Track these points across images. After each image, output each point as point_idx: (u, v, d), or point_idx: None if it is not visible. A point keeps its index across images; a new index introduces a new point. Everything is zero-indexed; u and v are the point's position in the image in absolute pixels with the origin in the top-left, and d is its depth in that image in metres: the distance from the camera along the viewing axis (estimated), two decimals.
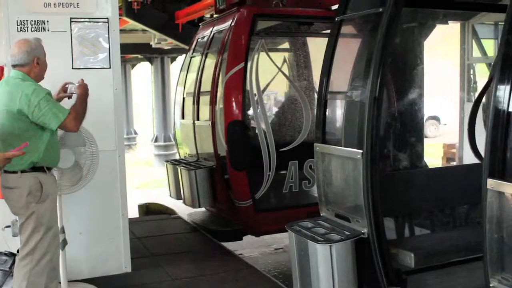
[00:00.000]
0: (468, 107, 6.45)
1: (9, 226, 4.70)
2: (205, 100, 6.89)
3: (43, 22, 4.93)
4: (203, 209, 7.46)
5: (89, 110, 4.69)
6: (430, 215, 4.96)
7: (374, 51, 3.85)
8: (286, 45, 7.78)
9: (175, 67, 22.69)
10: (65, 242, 4.67)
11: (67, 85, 4.44)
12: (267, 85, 6.89)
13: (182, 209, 8.27)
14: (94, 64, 4.98)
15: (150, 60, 20.64)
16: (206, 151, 6.99)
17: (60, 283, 4.66)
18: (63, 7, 4.98)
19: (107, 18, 5.11)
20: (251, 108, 6.32)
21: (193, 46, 7.89)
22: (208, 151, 6.83)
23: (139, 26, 13.12)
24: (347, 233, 3.89)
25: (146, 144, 23.00)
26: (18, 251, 4.18)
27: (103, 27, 5.10)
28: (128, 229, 5.44)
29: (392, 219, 4.65)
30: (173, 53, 19.63)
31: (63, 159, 4.48)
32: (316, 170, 4.45)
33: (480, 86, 6.91)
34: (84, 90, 4.29)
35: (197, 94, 7.04)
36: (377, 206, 3.82)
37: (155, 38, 14.46)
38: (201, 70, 7.12)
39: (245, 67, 6.20)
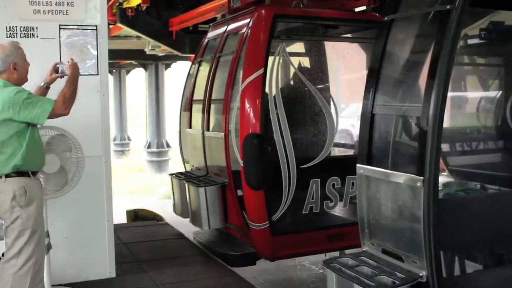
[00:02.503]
0: None
1: None
2: (217, 109, 6.24)
3: (32, 29, 5.02)
4: None
5: (76, 116, 4.76)
6: (488, 247, 4.15)
7: (441, 55, 3.23)
8: (309, 49, 6.99)
9: (169, 74, 22.81)
10: (49, 246, 4.72)
11: (58, 65, 4.46)
12: (288, 94, 6.20)
13: (172, 217, 8.30)
14: (82, 70, 5.01)
15: (145, 67, 20.67)
16: (216, 165, 6.27)
17: (44, 286, 4.70)
18: (52, 14, 5.08)
19: (96, 26, 5.21)
20: (271, 120, 5.56)
21: (202, 49, 7.20)
22: (219, 165, 6.14)
23: (133, 32, 13.16)
24: (400, 275, 3.28)
25: (140, 150, 23.02)
26: (3, 254, 4.23)
27: (92, 35, 5.18)
28: (113, 235, 5.50)
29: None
30: (168, 59, 19.65)
31: (48, 164, 4.55)
32: (359, 196, 3.82)
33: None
34: (73, 70, 4.33)
35: (208, 102, 6.35)
36: (437, 244, 3.22)
37: (149, 45, 14.49)
38: (212, 75, 6.40)
39: (264, 74, 5.51)
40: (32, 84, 4.44)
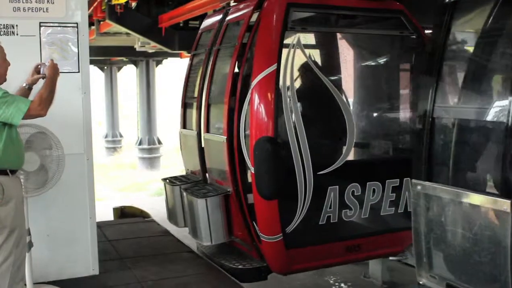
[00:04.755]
0: None
1: None
2: (217, 108, 5.62)
3: (12, 26, 5.00)
4: None
5: (57, 114, 4.76)
6: None
7: None
8: (326, 42, 6.31)
9: (160, 71, 22.77)
10: (30, 244, 4.72)
11: (39, 66, 4.45)
12: (304, 93, 5.52)
13: (160, 213, 8.31)
14: (63, 68, 5.01)
15: (135, 63, 20.66)
16: (217, 171, 5.71)
17: (26, 285, 4.70)
18: (32, 11, 5.06)
19: (77, 23, 5.19)
20: (285, 121, 4.99)
21: (196, 42, 6.59)
22: (221, 171, 5.59)
23: (123, 29, 13.13)
24: None
25: (132, 146, 23.02)
26: None
27: (72, 32, 5.17)
28: (96, 232, 5.49)
29: None
30: (159, 56, 19.64)
31: (28, 162, 4.54)
32: (415, 218, 3.28)
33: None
34: (52, 71, 4.31)
35: (206, 101, 5.72)
36: None
37: (138, 42, 14.46)
38: (210, 70, 5.73)
39: (277, 70, 4.94)
40: (13, 81, 4.41)
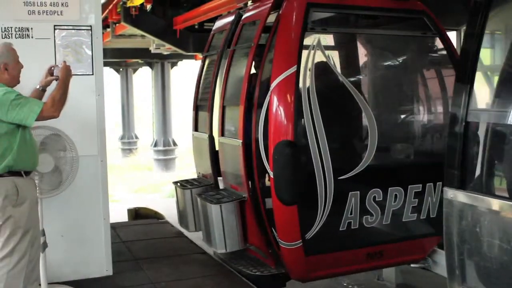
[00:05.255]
0: None
1: None
2: (232, 111, 5.47)
3: (27, 29, 5.06)
4: None
5: (71, 116, 4.85)
6: None
7: None
8: (347, 43, 6.17)
9: (175, 72, 22.87)
10: (45, 245, 4.76)
11: (52, 68, 4.53)
12: (324, 95, 5.25)
13: (174, 215, 8.31)
14: (77, 70, 5.06)
15: (151, 65, 20.77)
16: (232, 176, 5.57)
17: (40, 285, 4.75)
18: (47, 14, 5.11)
19: (91, 26, 5.24)
20: (305, 124, 4.86)
21: (208, 43, 6.50)
22: (235, 176, 5.44)
23: (138, 31, 13.21)
24: None
25: (147, 148, 23.13)
26: None
27: (87, 35, 5.22)
28: (110, 233, 5.53)
29: None
30: (174, 58, 19.72)
31: (43, 163, 4.60)
32: (446, 227, 3.10)
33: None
34: (65, 73, 4.37)
35: (221, 103, 5.56)
36: None
37: (153, 44, 14.54)
38: (225, 72, 5.59)
39: (297, 71, 4.80)
40: (28, 84, 4.49)
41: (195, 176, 6.77)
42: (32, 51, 4.94)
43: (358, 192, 5.05)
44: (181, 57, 19.20)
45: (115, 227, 7.16)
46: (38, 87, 4.55)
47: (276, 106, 4.80)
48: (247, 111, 5.10)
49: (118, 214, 9.96)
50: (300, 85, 4.86)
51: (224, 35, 5.98)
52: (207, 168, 6.03)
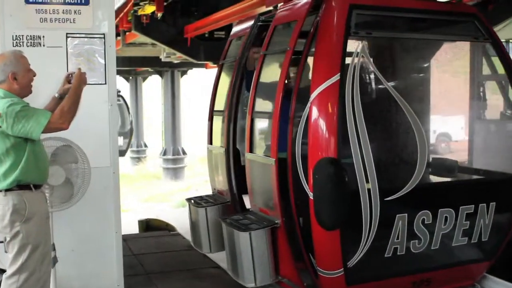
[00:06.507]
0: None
1: (1, 242, 4.66)
2: (263, 124, 5.00)
3: (39, 37, 4.92)
4: None
5: (83, 126, 4.70)
6: None
7: None
8: (395, 49, 5.62)
9: (185, 81, 22.81)
10: (55, 260, 4.60)
11: (71, 75, 4.38)
12: (369, 107, 4.84)
13: (185, 226, 8.16)
14: (89, 79, 4.92)
15: (161, 74, 20.73)
16: (261, 197, 4.99)
17: None
18: (59, 22, 4.97)
19: (104, 34, 5.09)
20: (349, 140, 4.38)
21: (226, 50, 6.12)
22: (265, 197, 4.90)
23: (149, 39, 13.16)
24: None
25: (156, 157, 23.05)
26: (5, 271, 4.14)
27: (99, 43, 5.08)
28: (122, 247, 5.38)
29: None
30: (184, 66, 19.69)
31: (54, 176, 4.45)
32: None
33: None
34: (77, 81, 4.19)
35: (250, 115, 4.95)
36: None
37: (164, 52, 14.49)
38: (255, 80, 4.99)
39: (341, 81, 4.33)
40: (40, 93, 4.35)
41: (205, 185, 6.55)
42: (43, 60, 4.79)
43: (406, 214, 4.59)
44: (191, 65, 19.16)
45: (126, 239, 7.01)
46: (56, 95, 4.39)
47: (317, 119, 4.32)
48: (281, 125, 4.55)
49: (128, 224, 9.83)
50: (344, 95, 4.38)
51: (242, 40, 5.63)
52: (223, 184, 5.65)
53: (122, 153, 19.58)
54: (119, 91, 20.69)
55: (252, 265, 4.61)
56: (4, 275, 4.07)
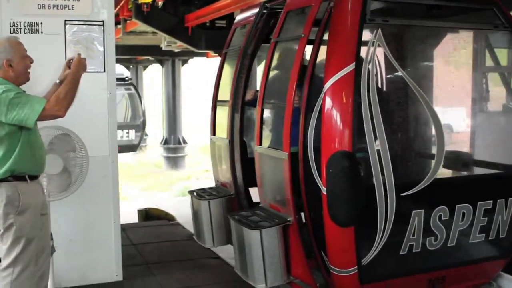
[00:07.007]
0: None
1: None
2: (274, 115, 4.82)
3: (37, 24, 4.86)
4: None
5: (81, 115, 4.66)
6: None
7: None
8: (413, 38, 5.32)
9: (186, 70, 22.72)
10: (53, 249, 4.55)
11: (71, 61, 4.24)
12: (385, 98, 4.72)
13: (184, 215, 8.13)
14: (88, 67, 4.84)
15: (161, 62, 20.62)
16: (271, 193, 4.73)
17: None
18: (57, 9, 4.91)
19: (103, 21, 5.03)
20: (365, 132, 4.16)
21: (229, 39, 5.88)
22: (276, 193, 4.66)
23: (150, 28, 13.07)
24: None
25: (157, 145, 23.01)
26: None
27: (98, 30, 5.01)
28: (120, 237, 5.34)
29: None
30: (184, 55, 19.58)
31: (51, 164, 4.39)
32: None
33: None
34: (76, 67, 4.05)
35: (260, 105, 4.71)
36: None
37: (165, 41, 14.38)
38: (265, 69, 4.73)
39: (356, 70, 4.09)
40: (37, 81, 4.27)
41: (205, 174, 6.50)
42: (41, 47, 4.72)
43: (422, 210, 4.39)
44: (192, 54, 19.07)
45: (125, 228, 7.00)
46: (57, 81, 4.25)
47: (331, 110, 4.09)
48: (294, 116, 4.31)
49: (128, 213, 9.82)
50: (359, 86, 4.14)
51: (247, 29, 5.40)
52: (227, 176, 5.48)
53: (133, 147, 18.84)
54: (130, 79, 20.22)
55: (263, 265, 4.39)
56: (0, 267, 4.01)
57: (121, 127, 17.32)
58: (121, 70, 20.29)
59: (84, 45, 4.97)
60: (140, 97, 18.88)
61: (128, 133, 18.34)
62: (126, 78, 18.96)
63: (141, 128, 18.66)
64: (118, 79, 16.83)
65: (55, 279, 4.73)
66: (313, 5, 4.35)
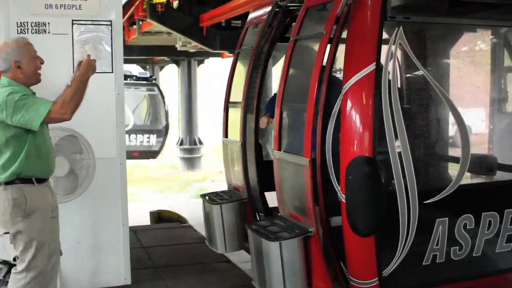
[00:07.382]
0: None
1: (7, 233, 4.56)
2: (294, 118, 4.55)
3: (44, 24, 4.80)
4: None
5: (89, 116, 4.58)
6: None
7: None
8: (436, 36, 5.02)
9: (202, 70, 22.68)
10: (60, 253, 4.50)
11: (81, 62, 4.12)
12: (407, 100, 4.53)
13: (197, 218, 8.02)
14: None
15: (177, 63, 20.59)
16: (291, 201, 4.50)
17: None
18: (65, 8, 4.85)
19: (111, 21, 4.96)
20: (386, 136, 3.96)
21: (242, 38, 5.75)
22: (296, 201, 4.43)
23: (165, 28, 13.03)
24: None
25: (173, 146, 22.99)
26: (14, 259, 4.02)
27: (106, 30, 4.94)
28: (129, 240, 5.26)
29: None
30: (200, 56, 19.52)
31: (57, 166, 4.30)
32: None
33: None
34: (85, 68, 3.91)
35: (279, 107, 4.50)
36: None
37: (180, 41, 14.34)
38: (285, 69, 4.50)
39: (376, 70, 3.89)
40: (44, 82, 4.14)
41: (220, 176, 6.38)
42: (48, 47, 4.63)
43: (447, 218, 4.19)
44: (207, 54, 19.00)
45: (135, 231, 6.94)
46: (69, 83, 4.15)
47: (350, 113, 3.91)
48: (315, 120, 4.10)
49: (141, 215, 9.76)
50: (380, 87, 3.94)
51: (259, 28, 5.27)
52: (239, 180, 5.36)
53: (153, 154, 17.22)
54: (155, 79, 18.46)
55: (282, 278, 4.15)
56: (14, 270, 3.96)
57: (140, 131, 16.69)
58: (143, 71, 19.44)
59: (92, 45, 4.90)
60: (163, 99, 17.48)
61: (148, 138, 16.90)
62: (150, 78, 17.71)
63: (163, 133, 17.20)
64: (141, 79, 16.90)
65: (63, 282, 4.69)
66: (335, 1, 4.13)
